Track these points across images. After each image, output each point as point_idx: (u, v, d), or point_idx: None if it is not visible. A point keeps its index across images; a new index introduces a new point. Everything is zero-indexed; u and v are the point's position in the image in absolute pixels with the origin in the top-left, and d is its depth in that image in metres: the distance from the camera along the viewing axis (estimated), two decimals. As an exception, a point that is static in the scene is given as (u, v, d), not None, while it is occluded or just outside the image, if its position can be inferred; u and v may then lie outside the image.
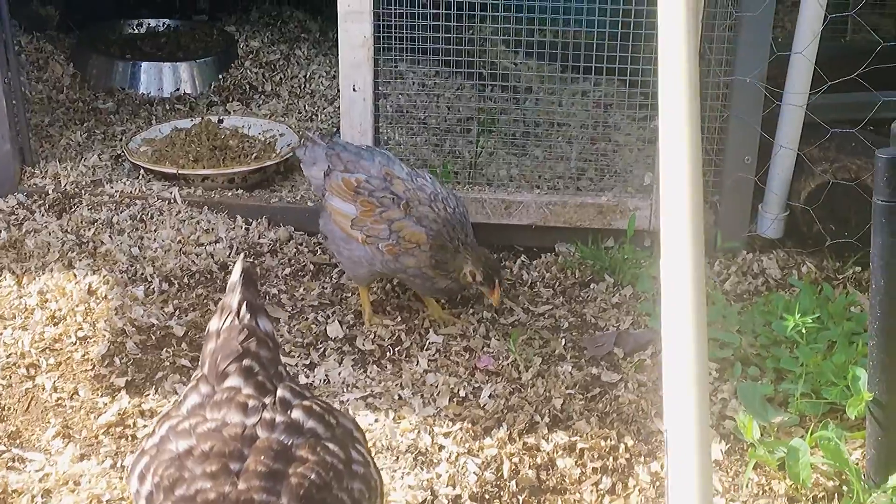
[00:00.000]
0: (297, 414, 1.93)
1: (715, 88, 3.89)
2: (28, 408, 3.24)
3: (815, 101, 3.87)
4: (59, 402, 3.27)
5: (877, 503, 2.85)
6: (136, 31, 6.00)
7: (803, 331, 3.32)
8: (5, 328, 3.57)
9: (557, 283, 3.97)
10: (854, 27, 5.14)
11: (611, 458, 3.08)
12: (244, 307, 2.03)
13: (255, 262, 3.98)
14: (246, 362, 1.97)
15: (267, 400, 1.95)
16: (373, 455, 2.08)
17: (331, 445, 1.92)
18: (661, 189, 2.00)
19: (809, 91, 3.85)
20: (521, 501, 2.93)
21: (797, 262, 4.06)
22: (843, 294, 3.74)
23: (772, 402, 3.20)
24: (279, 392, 1.96)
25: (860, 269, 3.97)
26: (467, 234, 3.54)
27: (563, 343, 3.60)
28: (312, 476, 1.85)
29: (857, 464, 2.96)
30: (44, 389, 3.31)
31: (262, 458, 1.85)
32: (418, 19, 4.08)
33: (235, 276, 2.06)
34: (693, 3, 1.97)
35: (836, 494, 2.93)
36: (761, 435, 3.03)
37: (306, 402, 1.97)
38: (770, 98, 3.85)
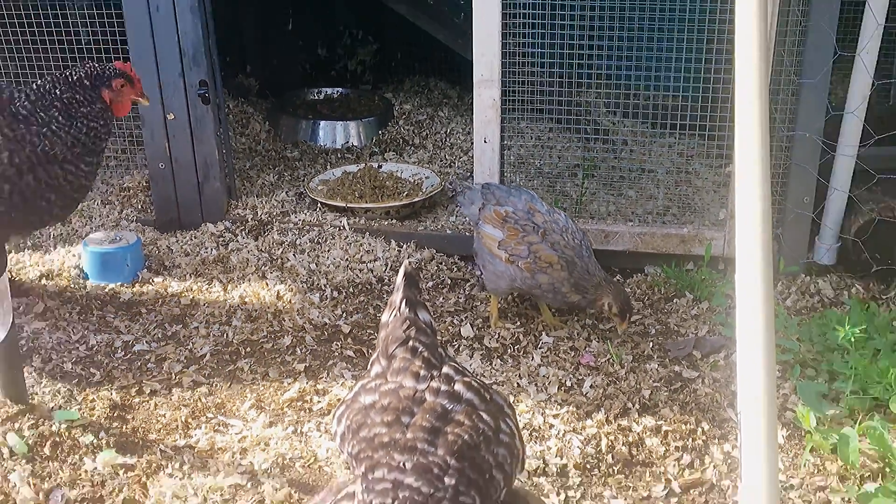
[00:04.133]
0: (458, 387, 1.94)
1: (780, 141, 3.81)
2: (230, 385, 3.33)
3: (864, 152, 3.78)
4: (254, 381, 3.35)
5: (916, 484, 2.75)
6: (316, 98, 6.15)
7: (853, 340, 3.24)
8: (214, 323, 3.68)
9: (646, 298, 3.92)
10: (896, 92, 4.98)
11: (690, 439, 3.03)
12: (405, 302, 2.05)
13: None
14: (410, 344, 1.99)
15: (434, 373, 1.96)
16: (520, 427, 2.07)
17: (484, 415, 1.92)
18: (738, 221, 1.97)
19: (859, 144, 3.76)
20: (616, 471, 2.90)
21: (847, 284, 3.93)
22: (887, 311, 3.63)
23: (826, 398, 3.11)
24: (444, 369, 1.98)
25: (901, 290, 3.84)
26: (597, 265, 3.51)
27: (651, 345, 3.56)
28: (466, 437, 1.86)
29: (899, 450, 2.85)
30: (243, 371, 3.40)
31: (427, 416, 1.87)
32: (536, 86, 4.09)
33: (399, 278, 2.09)
34: (764, 71, 1.94)
35: (880, 474, 2.83)
36: (817, 424, 2.95)
37: (466, 379, 1.98)
38: (826, 149, 3.77)
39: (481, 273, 3.69)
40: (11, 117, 3.31)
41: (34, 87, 3.41)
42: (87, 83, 3.41)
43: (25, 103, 3.35)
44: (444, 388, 1.93)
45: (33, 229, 3.72)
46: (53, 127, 3.35)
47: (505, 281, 3.55)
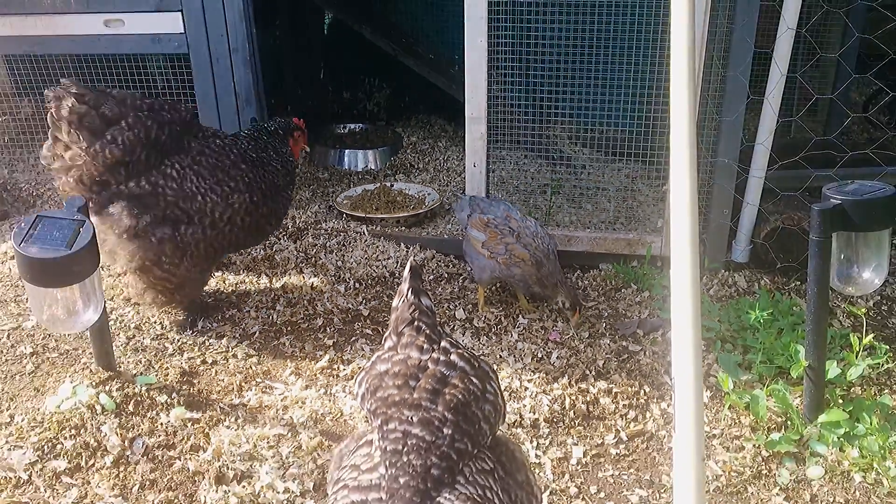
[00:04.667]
0: (453, 357, 1.93)
1: (705, 166, 3.82)
2: (275, 356, 3.33)
3: (770, 175, 3.78)
4: (293, 353, 3.35)
5: (810, 433, 2.76)
6: (342, 131, 6.12)
7: (761, 321, 3.25)
8: (262, 308, 3.67)
9: (601, 288, 3.92)
10: (796, 128, 4.99)
11: (635, 399, 3.03)
12: (410, 291, 2.04)
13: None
14: (415, 324, 1.98)
15: (434, 346, 1.95)
16: (502, 389, 2.04)
17: (474, 379, 1.91)
18: (672, 228, 1.96)
19: (766, 168, 3.76)
20: (576, 424, 2.90)
21: (757, 278, 3.93)
22: (788, 299, 3.63)
23: (740, 366, 3.11)
24: (442, 343, 1.96)
25: (799, 283, 3.84)
26: (559, 269, 3.50)
27: (604, 326, 3.56)
28: (459, 396, 1.85)
29: (797, 407, 2.85)
30: (285, 345, 3.39)
31: (430, 380, 1.86)
32: (515, 122, 4.09)
33: (406, 271, 2.07)
34: (693, 111, 1.94)
35: (782, 426, 2.83)
36: (734, 387, 2.95)
37: (459, 350, 1.96)
38: (741, 172, 3.77)
39: (470, 268, 3.68)
40: (250, 163, 3.39)
41: (243, 135, 3.49)
42: (281, 132, 3.60)
43: (251, 149, 3.44)
44: (442, 358, 1.92)
45: (252, 246, 3.77)
46: (274, 164, 3.48)
47: (487, 273, 3.56)
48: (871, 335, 3.05)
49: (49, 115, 3.02)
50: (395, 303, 2.05)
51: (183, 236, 3.18)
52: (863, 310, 3.27)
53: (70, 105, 2.99)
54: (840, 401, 2.89)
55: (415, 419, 1.79)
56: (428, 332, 1.97)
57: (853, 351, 3.00)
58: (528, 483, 1.94)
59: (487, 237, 3.51)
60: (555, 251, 3.53)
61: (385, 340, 2.01)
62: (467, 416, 1.84)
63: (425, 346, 1.93)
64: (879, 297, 3.77)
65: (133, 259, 3.15)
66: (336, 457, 2.03)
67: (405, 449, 1.75)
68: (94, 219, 3.08)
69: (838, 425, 2.71)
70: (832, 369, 2.85)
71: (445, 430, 1.79)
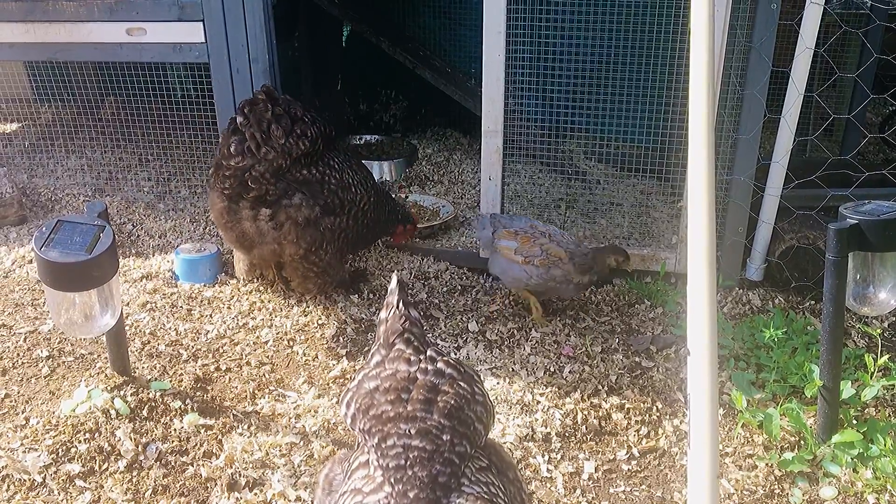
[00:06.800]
0: (440, 365, 1.92)
1: (721, 183, 3.81)
2: (288, 364, 3.34)
3: (786, 193, 3.78)
4: (307, 362, 3.36)
5: (823, 453, 2.74)
6: (359, 143, 6.15)
7: (775, 340, 3.24)
8: (276, 317, 3.69)
9: (614, 303, 3.91)
10: (812, 147, 4.99)
11: (647, 415, 3.03)
12: (401, 303, 2.04)
13: (425, 283, 4.02)
14: (405, 336, 1.97)
15: (422, 357, 1.94)
16: (486, 390, 2.05)
17: (462, 384, 1.91)
18: (689, 245, 1.97)
19: (782, 187, 3.76)
20: (588, 439, 2.90)
21: (772, 296, 3.92)
22: (802, 318, 3.62)
23: (754, 385, 3.11)
24: (428, 352, 1.96)
25: (814, 302, 3.82)
26: (587, 247, 3.59)
27: (617, 341, 3.55)
28: (452, 402, 1.85)
29: (810, 426, 2.84)
30: (298, 354, 3.40)
31: (421, 391, 1.86)
32: (531, 137, 4.11)
33: (393, 284, 2.07)
34: (710, 129, 1.95)
35: (796, 446, 2.82)
36: (747, 405, 2.95)
37: (445, 358, 1.96)
38: (756, 190, 3.77)
39: (498, 280, 3.65)
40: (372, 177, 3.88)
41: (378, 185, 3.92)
42: (397, 214, 4.02)
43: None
44: (430, 367, 1.92)
45: (360, 250, 4.22)
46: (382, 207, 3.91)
47: (523, 282, 3.57)
48: (886, 356, 3.04)
49: (254, 114, 3.37)
50: (382, 315, 2.06)
51: (333, 224, 3.56)
52: (878, 330, 3.26)
53: (273, 108, 3.40)
54: (854, 421, 2.87)
55: (413, 431, 1.80)
56: (416, 343, 1.97)
57: (868, 371, 2.99)
58: (518, 479, 1.98)
59: (520, 243, 3.52)
60: (582, 243, 3.57)
61: (372, 356, 2.01)
62: (462, 420, 1.85)
63: (412, 357, 1.93)
64: (895, 318, 3.75)
65: (301, 245, 3.50)
66: (323, 482, 2.02)
67: (408, 462, 1.76)
68: (265, 211, 3.45)
69: (852, 446, 2.70)
70: (846, 389, 2.84)
71: (444, 437, 1.80)
